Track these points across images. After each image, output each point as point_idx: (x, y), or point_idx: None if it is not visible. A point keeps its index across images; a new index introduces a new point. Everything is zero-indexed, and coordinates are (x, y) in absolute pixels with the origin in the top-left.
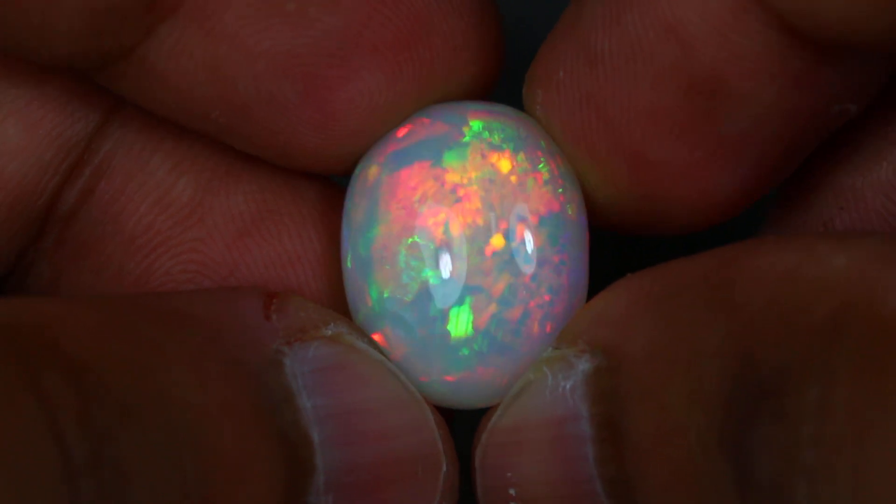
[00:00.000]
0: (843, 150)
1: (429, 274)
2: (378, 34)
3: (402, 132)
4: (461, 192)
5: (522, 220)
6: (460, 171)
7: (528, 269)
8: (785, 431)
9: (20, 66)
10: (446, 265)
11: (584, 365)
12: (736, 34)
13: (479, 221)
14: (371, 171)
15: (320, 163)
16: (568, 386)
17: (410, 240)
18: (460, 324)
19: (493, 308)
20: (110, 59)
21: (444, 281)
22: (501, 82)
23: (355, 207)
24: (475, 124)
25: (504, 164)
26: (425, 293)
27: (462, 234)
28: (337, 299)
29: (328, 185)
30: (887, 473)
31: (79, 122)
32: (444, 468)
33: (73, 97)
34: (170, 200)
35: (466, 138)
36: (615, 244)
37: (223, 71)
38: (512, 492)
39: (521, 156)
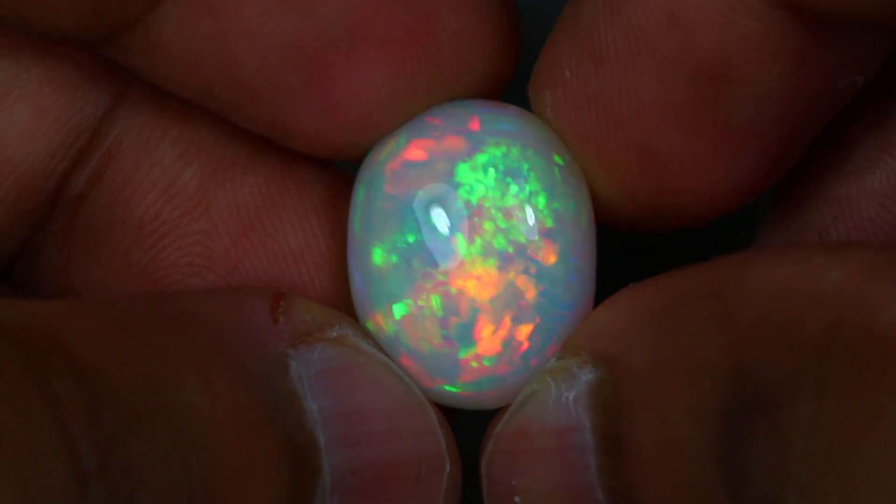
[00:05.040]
0: (836, 159)
1: (439, 287)
2: (385, 25)
3: (411, 149)
4: (473, 207)
5: (534, 233)
6: (473, 185)
7: (540, 282)
8: (778, 446)
9: (30, 50)
10: (457, 279)
11: (586, 376)
12: (736, 16)
13: (491, 236)
14: (381, 185)
15: (323, 148)
16: (571, 396)
17: (421, 253)
18: (470, 337)
19: (503, 322)
20: (115, 30)
21: (454, 294)
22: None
23: (362, 221)
24: (489, 139)
25: (516, 176)
26: (435, 306)
27: (474, 249)
28: (341, 295)
29: (335, 175)
30: (876, 489)
31: (88, 105)
32: (448, 469)
33: (83, 81)
34: (177, 190)
35: (479, 153)
36: (622, 248)
37: (227, 48)
38: (517, 499)
39: (533, 166)
